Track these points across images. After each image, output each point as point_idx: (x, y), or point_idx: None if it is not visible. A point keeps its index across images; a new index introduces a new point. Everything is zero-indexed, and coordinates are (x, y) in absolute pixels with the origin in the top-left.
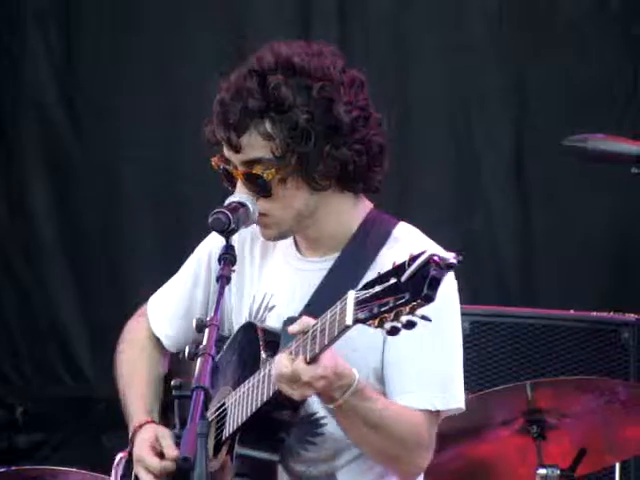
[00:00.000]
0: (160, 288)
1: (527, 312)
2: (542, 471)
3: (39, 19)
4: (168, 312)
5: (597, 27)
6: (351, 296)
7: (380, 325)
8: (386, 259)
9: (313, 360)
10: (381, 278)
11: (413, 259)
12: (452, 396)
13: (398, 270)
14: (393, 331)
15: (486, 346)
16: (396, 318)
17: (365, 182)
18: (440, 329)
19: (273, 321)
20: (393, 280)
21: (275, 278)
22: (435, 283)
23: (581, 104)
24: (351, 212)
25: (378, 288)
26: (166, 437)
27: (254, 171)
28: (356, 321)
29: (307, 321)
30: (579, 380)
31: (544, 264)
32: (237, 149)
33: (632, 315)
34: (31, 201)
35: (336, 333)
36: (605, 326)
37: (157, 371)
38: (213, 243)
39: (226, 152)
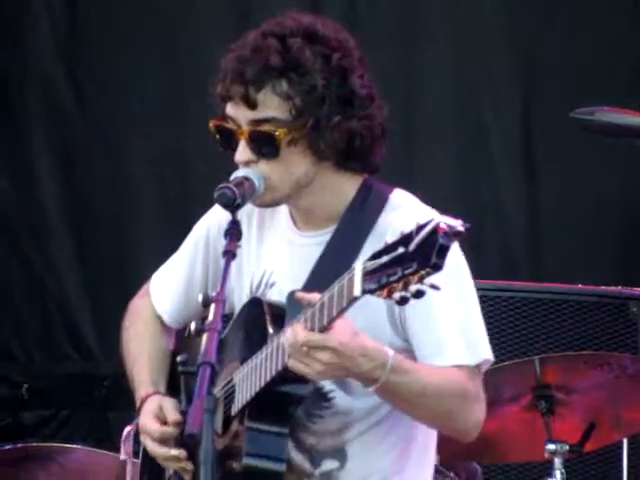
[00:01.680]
0: (163, 265)
1: (534, 286)
2: (551, 446)
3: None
4: (169, 289)
5: (604, 1)
6: (359, 267)
7: (389, 295)
8: (385, 225)
9: (322, 332)
10: (388, 248)
11: (420, 228)
12: (482, 349)
13: (405, 239)
14: (402, 301)
15: (493, 321)
16: (405, 288)
17: (365, 161)
18: (454, 289)
19: (275, 297)
20: (401, 250)
21: (274, 255)
22: (443, 251)
23: (588, 77)
24: (346, 185)
25: (386, 258)
26: (168, 404)
27: (264, 129)
28: (364, 291)
29: (313, 295)
30: (587, 355)
31: (551, 238)
32: (253, 105)
33: None
34: (38, 181)
35: (345, 304)
36: (613, 300)
37: (163, 346)
38: (211, 220)
39: (233, 110)
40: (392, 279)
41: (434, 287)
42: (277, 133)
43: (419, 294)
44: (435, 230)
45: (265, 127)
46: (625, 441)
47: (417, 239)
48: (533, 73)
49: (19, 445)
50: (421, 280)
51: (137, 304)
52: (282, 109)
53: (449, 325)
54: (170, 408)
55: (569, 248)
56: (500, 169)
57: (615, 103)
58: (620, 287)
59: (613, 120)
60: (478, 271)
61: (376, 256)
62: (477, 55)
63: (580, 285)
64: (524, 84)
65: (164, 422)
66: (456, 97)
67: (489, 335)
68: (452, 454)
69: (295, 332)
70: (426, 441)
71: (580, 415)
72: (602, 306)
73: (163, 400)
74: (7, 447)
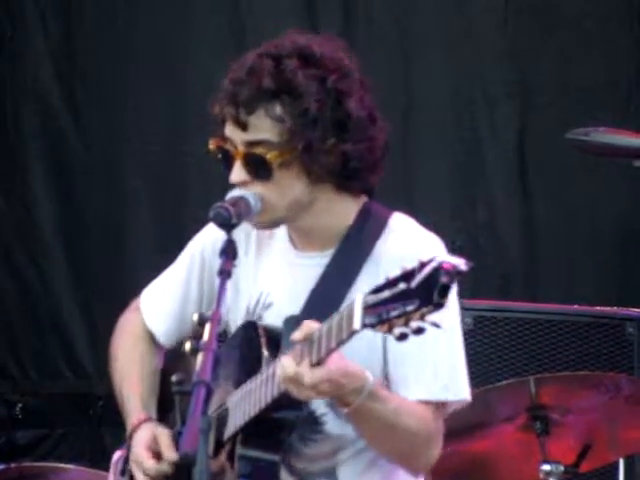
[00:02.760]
0: (153, 282)
1: (530, 307)
2: (546, 467)
3: (38, 9)
4: (161, 307)
5: (601, 20)
6: (359, 300)
7: (389, 330)
8: (382, 251)
9: (318, 363)
10: (390, 283)
11: (423, 265)
12: (458, 387)
13: (407, 275)
14: (402, 337)
15: (489, 341)
16: (406, 324)
17: (364, 183)
18: (443, 324)
19: (271, 319)
20: (402, 285)
21: (271, 275)
22: (445, 290)
23: (585, 95)
24: (346, 208)
25: (387, 293)
26: (164, 437)
27: (256, 152)
28: (364, 325)
29: (310, 325)
30: (583, 375)
31: (548, 258)
32: (244, 127)
33: (636, 310)
34: (33, 198)
35: (344, 337)
36: (609, 321)
37: (152, 365)
38: (206, 238)
39: (229, 131)
40: (392, 314)
41: (435, 325)
42: (268, 156)
43: (419, 331)
44: (438, 268)
45: (257, 149)
46: (622, 461)
47: (419, 277)
48: (529, 91)
49: (13, 465)
50: (422, 317)
51: (127, 321)
52: (274, 132)
53: (430, 358)
54: (166, 442)
55: (565, 268)
56: (495, 188)
57: (612, 121)
58: (616, 308)
59: (609, 141)
60: (473, 291)
61: (377, 290)
62: (473, 72)
63: (576, 305)
64: (520, 102)
65: (157, 454)
66: (452, 115)
67: (484, 355)
68: (445, 475)
69: (298, 373)
70: None
71: (575, 436)
72: (598, 326)
73: (157, 431)
74: (0, 467)
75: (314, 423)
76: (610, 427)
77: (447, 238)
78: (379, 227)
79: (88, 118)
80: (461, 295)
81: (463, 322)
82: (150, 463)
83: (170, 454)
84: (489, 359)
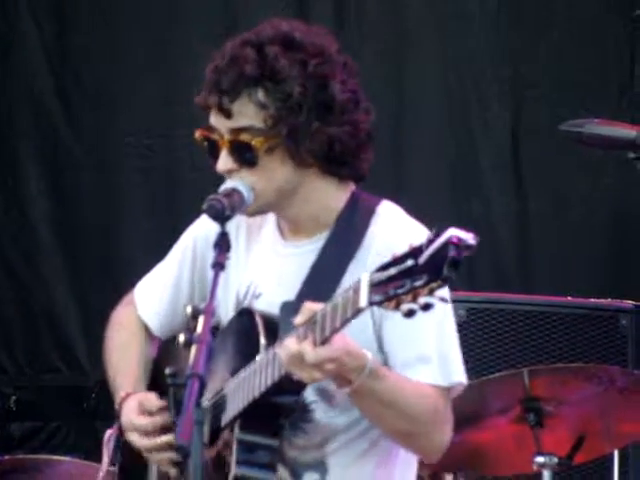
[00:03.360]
0: (146, 275)
1: (524, 299)
2: (540, 459)
3: (32, 7)
4: (155, 300)
5: (594, 16)
6: (365, 278)
7: (397, 307)
8: (372, 237)
9: (323, 343)
10: (396, 260)
11: (431, 240)
12: (455, 371)
13: (415, 252)
14: (410, 313)
15: (483, 333)
16: (413, 300)
17: (351, 167)
18: (435, 309)
19: (261, 308)
20: (410, 262)
21: (261, 265)
22: (455, 264)
23: (578, 93)
24: (334, 194)
25: (393, 270)
26: (149, 397)
27: (242, 138)
28: (371, 303)
29: (311, 307)
30: (577, 367)
31: (541, 250)
32: (228, 115)
33: (630, 302)
34: (26, 194)
35: (349, 315)
36: (603, 313)
37: (146, 356)
38: (198, 231)
39: (214, 120)
40: (400, 291)
41: (443, 300)
42: (254, 142)
43: (427, 307)
44: (447, 243)
45: (242, 136)
46: (616, 453)
47: (428, 251)
48: (522, 87)
49: (6, 457)
50: (431, 293)
51: (120, 313)
52: (258, 118)
53: (427, 343)
54: (152, 399)
55: (559, 261)
56: (490, 183)
57: (605, 117)
58: (610, 300)
59: (602, 132)
60: (468, 283)
61: (383, 268)
62: (467, 70)
63: (570, 298)
64: (513, 98)
65: (150, 414)
66: (445, 112)
67: (478, 347)
68: (439, 467)
69: (303, 351)
70: (408, 455)
71: (569, 427)
72: (592, 318)
73: (141, 395)
74: None
75: (304, 411)
76: (604, 419)
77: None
78: (368, 215)
79: (81, 115)
80: (456, 288)
81: (457, 314)
82: (144, 420)
83: (157, 403)
84: (483, 351)
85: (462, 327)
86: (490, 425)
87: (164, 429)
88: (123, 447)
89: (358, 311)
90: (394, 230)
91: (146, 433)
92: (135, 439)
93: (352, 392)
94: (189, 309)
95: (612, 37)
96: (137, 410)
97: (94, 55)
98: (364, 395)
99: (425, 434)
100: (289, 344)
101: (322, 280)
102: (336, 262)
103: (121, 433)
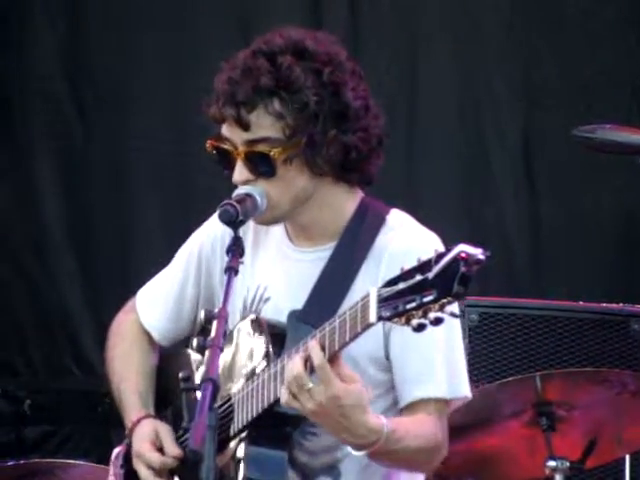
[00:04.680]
0: (149, 282)
1: (536, 303)
2: (552, 463)
3: (46, 7)
4: (158, 306)
5: (606, 18)
6: (373, 293)
7: (407, 322)
8: (381, 246)
9: (332, 358)
10: (405, 275)
11: (440, 255)
12: (459, 385)
13: (424, 267)
14: (420, 327)
15: (495, 337)
16: (424, 315)
17: (361, 173)
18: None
19: (269, 313)
20: (419, 277)
21: (269, 270)
22: (465, 280)
23: (590, 96)
24: (344, 201)
25: (402, 285)
26: (166, 433)
27: (260, 149)
28: (380, 318)
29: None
30: (588, 372)
31: (553, 255)
32: (246, 127)
33: None
34: (40, 196)
35: (359, 330)
36: (614, 317)
37: (150, 364)
38: (204, 237)
39: (228, 131)
40: (410, 306)
41: (454, 315)
42: (272, 153)
43: (438, 321)
44: (456, 258)
45: (260, 147)
46: (628, 458)
47: (438, 267)
48: (535, 92)
49: (21, 462)
50: (442, 308)
51: (123, 321)
52: (276, 128)
53: (434, 357)
54: (169, 439)
55: (571, 265)
56: (502, 187)
57: (616, 121)
58: (622, 304)
59: (614, 138)
60: (480, 288)
61: (391, 282)
62: (479, 73)
63: (582, 302)
64: (526, 103)
65: (159, 449)
66: (458, 116)
67: (490, 352)
68: (450, 470)
69: (303, 374)
70: None
71: (581, 432)
72: (604, 323)
73: (158, 425)
74: (9, 463)
75: None
76: (616, 423)
77: (453, 235)
78: (378, 223)
79: (94, 116)
80: (468, 293)
81: (469, 319)
82: (155, 456)
83: (173, 449)
84: (495, 355)
85: (474, 332)
86: (502, 429)
87: (172, 472)
88: (129, 469)
89: (368, 326)
90: (405, 239)
91: (155, 470)
92: (142, 470)
93: (371, 454)
94: (202, 314)
95: (624, 42)
96: (149, 441)
97: (108, 56)
98: (381, 455)
99: (430, 461)
100: (291, 365)
101: (331, 287)
102: (345, 270)
103: (128, 453)
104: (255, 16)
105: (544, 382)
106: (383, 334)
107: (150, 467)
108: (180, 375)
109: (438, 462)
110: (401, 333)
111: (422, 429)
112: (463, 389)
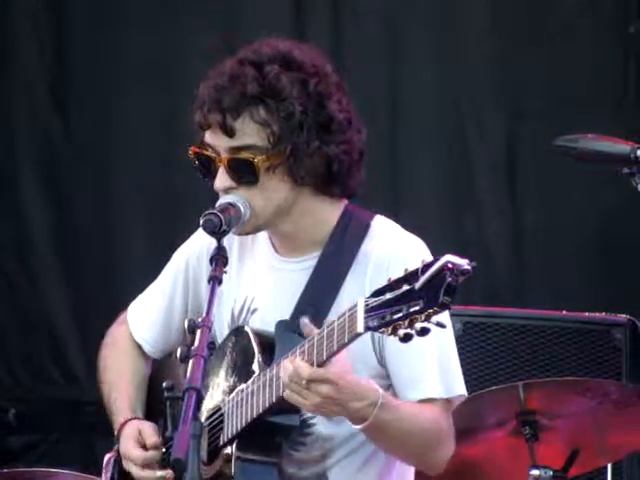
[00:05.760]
0: (140, 295)
1: (519, 313)
2: (535, 472)
3: (30, 15)
4: (148, 319)
5: (589, 27)
6: (361, 303)
7: (394, 332)
8: (366, 253)
9: (320, 366)
10: (392, 285)
11: (427, 266)
12: (457, 384)
13: (410, 277)
14: (406, 338)
15: (478, 347)
16: (410, 325)
17: (343, 186)
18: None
19: (256, 324)
20: (405, 287)
21: (255, 280)
22: (451, 290)
23: (573, 106)
24: (327, 210)
25: (389, 295)
26: (147, 428)
27: (243, 157)
28: (367, 328)
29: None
30: (571, 381)
31: (536, 265)
32: (231, 133)
33: (624, 316)
34: (26, 207)
35: (347, 340)
36: (597, 327)
37: (141, 375)
38: (190, 249)
39: (211, 138)
40: (397, 317)
41: (440, 325)
42: (256, 160)
43: (424, 332)
44: (443, 269)
45: (244, 154)
46: (609, 466)
47: (424, 277)
48: (518, 99)
49: (5, 470)
50: (428, 319)
51: (115, 333)
52: (260, 136)
53: (427, 359)
54: (149, 432)
55: (553, 275)
56: (484, 197)
57: (601, 130)
58: (604, 314)
59: (597, 147)
60: (463, 298)
61: (379, 292)
62: (462, 84)
63: (565, 312)
64: (508, 110)
65: (144, 446)
66: (440, 124)
67: (474, 361)
68: None
69: (298, 366)
70: (404, 466)
71: (564, 441)
72: (586, 332)
73: (141, 424)
74: None
75: (304, 425)
76: (598, 432)
77: (436, 244)
78: (362, 230)
79: (78, 123)
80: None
81: (453, 328)
82: (137, 452)
83: (152, 440)
84: (478, 365)
85: (458, 341)
86: (485, 439)
87: (159, 463)
88: (121, 472)
89: (356, 336)
90: (390, 246)
91: (141, 465)
92: (132, 469)
93: (368, 427)
94: (186, 323)
95: (606, 52)
96: (133, 439)
97: (92, 63)
98: (379, 429)
99: (433, 453)
100: (287, 363)
101: (318, 296)
102: (331, 278)
103: (119, 456)
104: (238, 24)
105: (527, 391)
106: (371, 341)
107: (137, 464)
108: (164, 384)
109: (444, 458)
110: (393, 340)
111: (420, 409)
112: (458, 388)
